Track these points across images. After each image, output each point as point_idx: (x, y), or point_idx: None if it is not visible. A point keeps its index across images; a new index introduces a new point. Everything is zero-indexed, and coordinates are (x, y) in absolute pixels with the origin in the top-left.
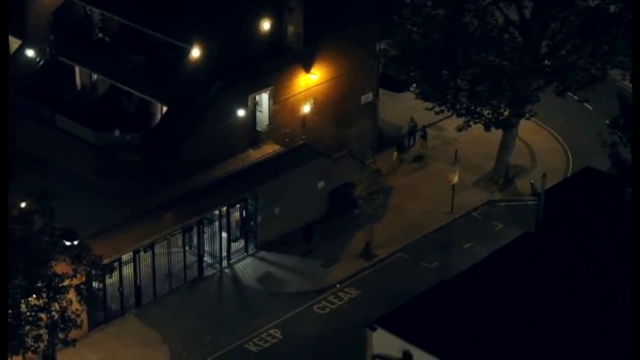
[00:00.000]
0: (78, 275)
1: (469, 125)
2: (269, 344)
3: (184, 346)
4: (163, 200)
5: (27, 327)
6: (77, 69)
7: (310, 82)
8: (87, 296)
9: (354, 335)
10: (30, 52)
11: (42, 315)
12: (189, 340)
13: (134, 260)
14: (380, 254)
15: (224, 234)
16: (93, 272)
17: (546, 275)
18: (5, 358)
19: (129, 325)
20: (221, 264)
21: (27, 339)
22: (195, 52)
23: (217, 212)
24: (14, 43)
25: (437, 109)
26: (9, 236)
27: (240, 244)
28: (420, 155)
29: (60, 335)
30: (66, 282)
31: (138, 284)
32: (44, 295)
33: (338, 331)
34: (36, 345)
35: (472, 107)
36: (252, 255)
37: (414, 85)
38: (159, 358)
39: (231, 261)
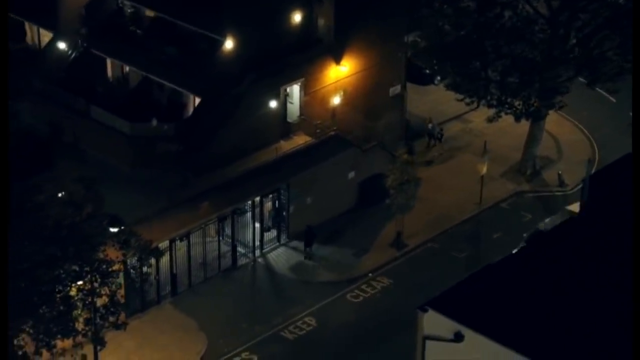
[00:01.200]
0: (126, 260)
1: (500, 116)
2: (304, 331)
3: (220, 333)
4: (197, 190)
5: (78, 311)
6: (108, 61)
7: (341, 74)
8: (136, 280)
9: (388, 322)
10: (62, 45)
11: (93, 300)
12: (225, 327)
13: (170, 249)
14: (410, 243)
15: (257, 224)
16: (142, 256)
17: (591, 257)
18: (5, 358)
19: (165, 313)
20: (254, 254)
21: (77, 323)
22: (229, 44)
23: (250, 202)
24: (46, 36)
25: (467, 100)
26: (60, 220)
27: (273, 233)
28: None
29: (111, 319)
30: (115, 267)
31: (174, 272)
32: (94, 279)
33: (372, 319)
34: (87, 328)
35: (503, 98)
36: (285, 244)
37: (439, 78)
38: (195, 345)
39: (264, 251)
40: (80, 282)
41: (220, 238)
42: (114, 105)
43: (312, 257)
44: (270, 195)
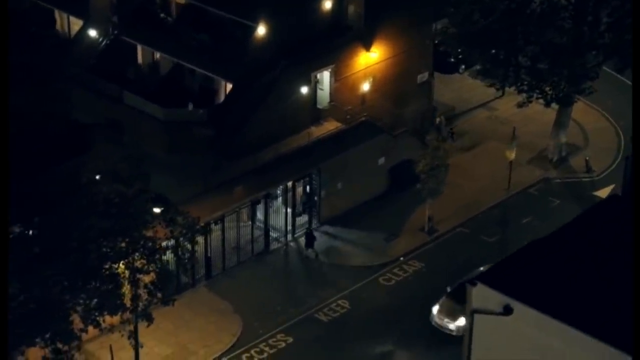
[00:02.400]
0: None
1: (530, 102)
2: (338, 314)
3: (254, 316)
4: (230, 175)
5: (126, 288)
6: (139, 48)
7: (370, 60)
8: (184, 258)
9: (420, 305)
10: (92, 33)
11: (141, 277)
12: (259, 310)
13: (205, 232)
14: (441, 228)
15: (288, 209)
16: (189, 234)
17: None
18: (5, 357)
19: (200, 296)
20: (286, 238)
21: (125, 299)
22: (261, 30)
23: (282, 187)
24: (75, 24)
25: (497, 85)
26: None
27: (304, 218)
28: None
29: (159, 295)
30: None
31: (209, 255)
32: (142, 256)
33: (405, 302)
34: (135, 304)
35: (534, 84)
36: (316, 229)
37: (464, 66)
38: (231, 327)
39: (295, 235)
40: (127, 259)
41: (252, 222)
42: (145, 92)
43: (317, 256)
44: (302, 181)
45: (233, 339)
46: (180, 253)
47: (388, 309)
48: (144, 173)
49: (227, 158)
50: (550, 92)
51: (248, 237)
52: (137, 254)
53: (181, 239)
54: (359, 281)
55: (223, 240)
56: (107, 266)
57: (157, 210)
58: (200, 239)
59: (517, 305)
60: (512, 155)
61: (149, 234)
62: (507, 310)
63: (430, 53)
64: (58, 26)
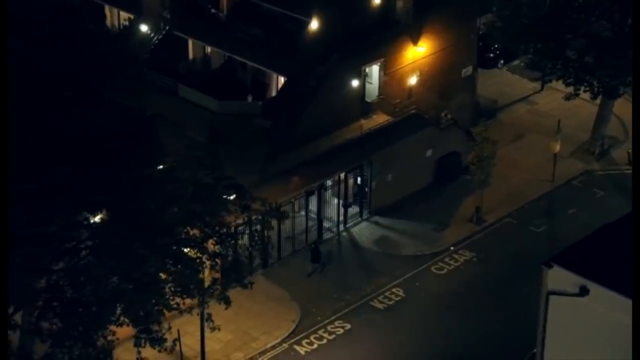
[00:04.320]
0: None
1: (578, 94)
2: (393, 301)
3: (312, 303)
4: (284, 166)
5: (205, 272)
6: (190, 42)
7: (417, 54)
8: (259, 243)
9: (473, 294)
10: (144, 28)
11: (218, 261)
12: (316, 297)
13: (252, 223)
14: (489, 219)
15: (340, 200)
16: (267, 218)
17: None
18: (5, 357)
19: (257, 284)
20: (338, 228)
21: (204, 283)
22: (314, 24)
23: (334, 178)
24: (125, 19)
25: (546, 78)
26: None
27: (355, 209)
28: None
29: (239, 279)
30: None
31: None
32: (221, 240)
33: (458, 290)
34: (215, 288)
35: (581, 76)
36: (367, 219)
37: (502, 61)
38: (290, 313)
39: (347, 225)
40: (205, 244)
41: (303, 213)
42: (197, 85)
43: (322, 271)
44: (353, 172)
45: (292, 326)
46: (256, 237)
47: (442, 296)
48: (219, 160)
49: (281, 149)
50: (597, 85)
51: (302, 227)
52: (213, 238)
53: (257, 224)
54: (411, 270)
55: (279, 229)
56: (186, 250)
57: (234, 194)
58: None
59: (592, 286)
60: (557, 147)
61: (228, 219)
62: (583, 291)
63: (474, 48)
64: (108, 21)
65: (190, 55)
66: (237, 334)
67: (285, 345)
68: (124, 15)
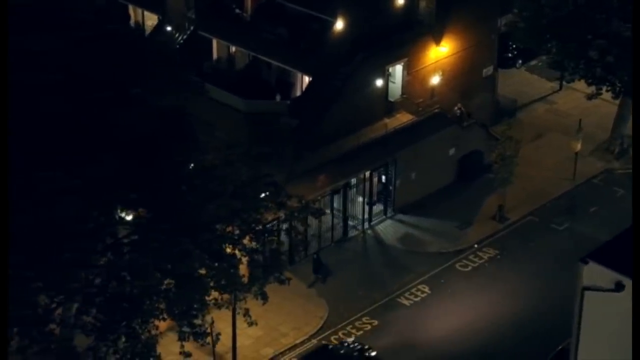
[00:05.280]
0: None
1: (600, 94)
2: (419, 298)
3: (339, 300)
4: (310, 165)
5: (243, 267)
6: (214, 42)
7: (440, 54)
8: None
9: (499, 290)
10: (168, 28)
11: (256, 257)
12: (343, 294)
13: (290, 219)
14: (511, 217)
15: (365, 198)
16: (300, 215)
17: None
18: (5, 357)
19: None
20: (363, 226)
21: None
22: (339, 24)
23: (359, 176)
24: (150, 19)
25: (567, 77)
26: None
27: (379, 207)
28: None
29: (276, 274)
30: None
31: (292, 242)
32: (260, 237)
33: (483, 287)
34: (255, 284)
35: (603, 76)
36: (391, 217)
37: (521, 61)
38: (318, 310)
39: (372, 223)
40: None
41: (328, 211)
42: (223, 85)
43: (324, 281)
44: (378, 170)
45: (320, 322)
46: (292, 234)
47: (467, 293)
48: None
49: (307, 148)
50: (619, 85)
51: (327, 225)
52: (250, 235)
53: (294, 221)
54: (436, 267)
55: (305, 227)
56: (225, 246)
57: (270, 191)
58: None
59: (628, 282)
60: (577, 146)
61: (267, 215)
62: (619, 287)
63: (495, 47)
64: (132, 22)
65: (215, 55)
66: (267, 329)
67: (314, 341)
68: (148, 15)
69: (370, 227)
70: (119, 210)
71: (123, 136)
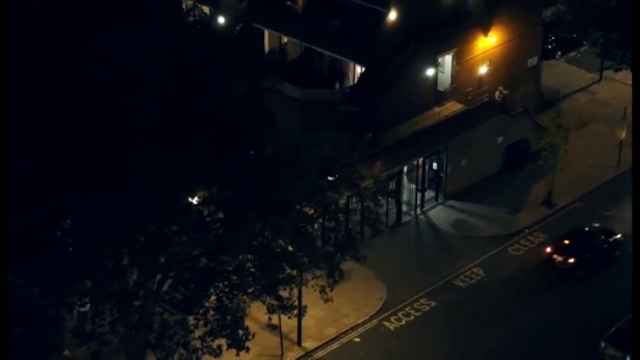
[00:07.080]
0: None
1: None
2: (474, 280)
3: (396, 282)
4: (366, 152)
5: (319, 247)
6: (266, 33)
7: (488, 44)
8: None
9: (551, 272)
10: (221, 19)
11: (332, 235)
12: (400, 277)
13: (347, 204)
14: (559, 202)
15: (418, 184)
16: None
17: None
18: (6, 357)
19: (344, 264)
20: (415, 212)
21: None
22: (392, 15)
23: (413, 163)
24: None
25: (615, 66)
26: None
27: (430, 193)
28: None
29: (351, 253)
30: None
31: (349, 226)
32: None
33: (535, 269)
34: (330, 262)
35: None
36: (442, 203)
37: (560, 53)
38: (376, 292)
39: (424, 209)
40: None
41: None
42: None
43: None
44: (430, 157)
45: (380, 303)
46: (367, 214)
47: (520, 276)
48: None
49: (363, 136)
50: None
51: (381, 210)
52: (326, 215)
53: (368, 201)
54: (489, 251)
55: (362, 212)
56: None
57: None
58: None
59: None
60: (622, 134)
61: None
62: None
63: (540, 38)
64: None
65: (267, 46)
66: (329, 310)
67: (374, 321)
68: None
69: (423, 212)
70: (213, 189)
71: (213, 119)
